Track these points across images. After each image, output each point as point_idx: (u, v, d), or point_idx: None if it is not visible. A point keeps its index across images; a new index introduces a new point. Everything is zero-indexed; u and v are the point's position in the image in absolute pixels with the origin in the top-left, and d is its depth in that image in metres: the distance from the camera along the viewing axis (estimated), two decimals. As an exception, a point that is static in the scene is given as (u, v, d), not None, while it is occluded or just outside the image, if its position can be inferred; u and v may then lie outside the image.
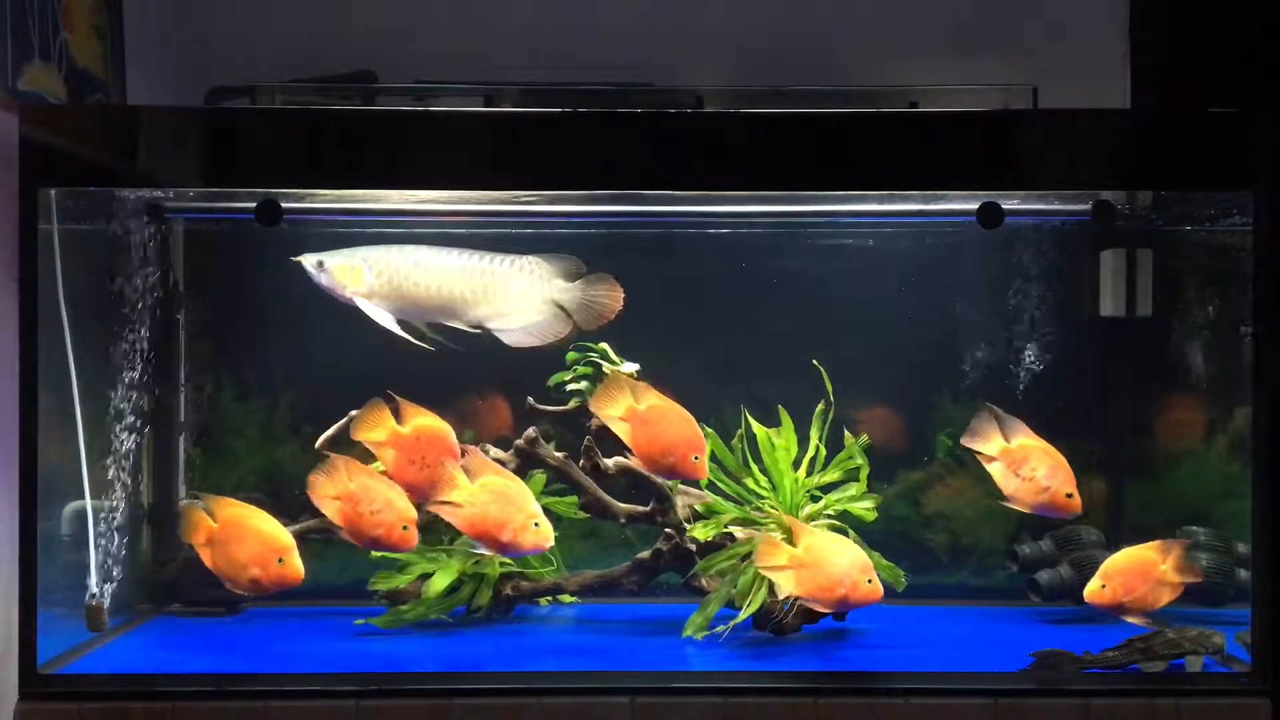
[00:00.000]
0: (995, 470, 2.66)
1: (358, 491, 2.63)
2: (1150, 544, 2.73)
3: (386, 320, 2.73)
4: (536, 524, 2.64)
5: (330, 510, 2.65)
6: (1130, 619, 2.70)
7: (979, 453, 2.71)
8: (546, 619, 3.00)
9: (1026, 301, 3.13)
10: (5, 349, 2.53)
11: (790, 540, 2.67)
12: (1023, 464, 2.65)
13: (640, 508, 2.93)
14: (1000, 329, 3.14)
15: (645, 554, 2.93)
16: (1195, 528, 2.94)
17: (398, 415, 2.72)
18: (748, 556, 2.82)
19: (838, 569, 2.63)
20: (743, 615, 2.75)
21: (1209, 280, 2.96)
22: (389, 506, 2.63)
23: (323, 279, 2.74)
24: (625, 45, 3.19)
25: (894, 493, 2.89)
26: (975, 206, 2.65)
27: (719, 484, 2.90)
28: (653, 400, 2.74)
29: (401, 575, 2.90)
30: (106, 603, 2.70)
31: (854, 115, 2.63)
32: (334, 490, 2.64)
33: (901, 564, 2.88)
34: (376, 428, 2.71)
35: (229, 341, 3.16)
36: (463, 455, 2.69)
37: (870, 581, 2.63)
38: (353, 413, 2.91)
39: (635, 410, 2.73)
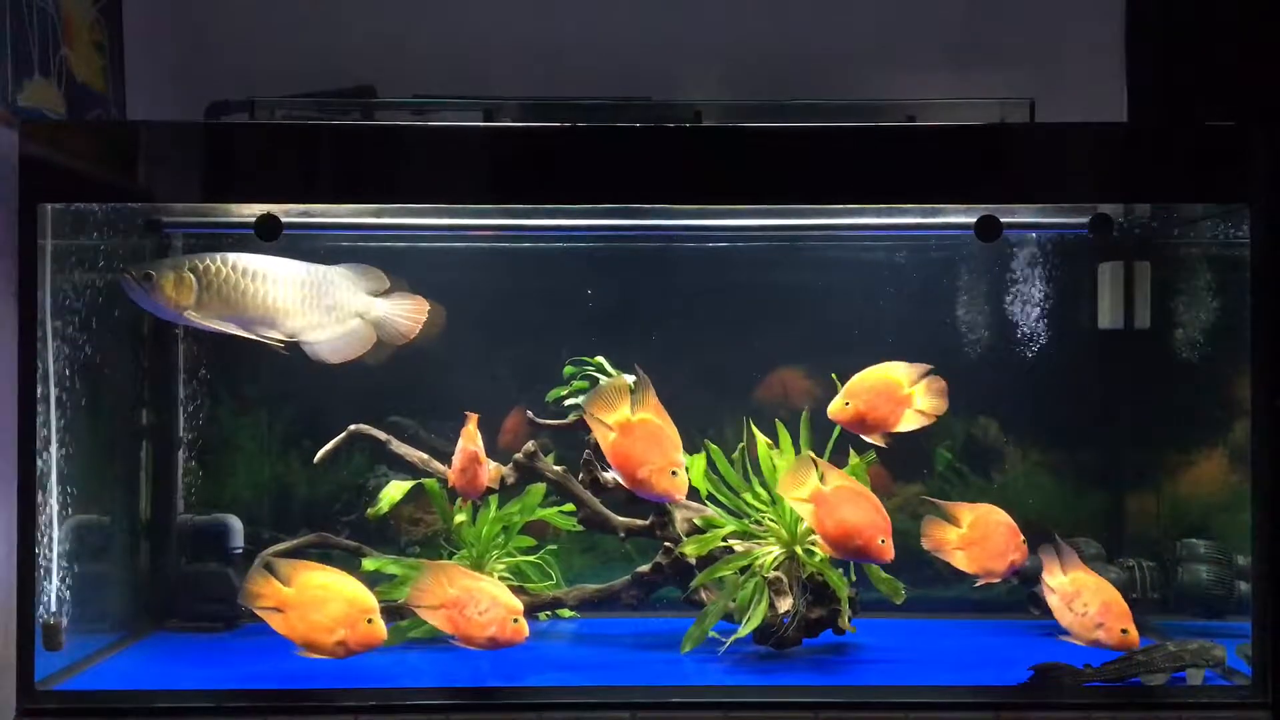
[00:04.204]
0: (1052, 602, 2.66)
1: (460, 595, 2.57)
2: (899, 365, 2.76)
3: (228, 328, 2.64)
4: (674, 473, 2.59)
5: (438, 620, 2.59)
6: (870, 439, 2.74)
7: (1043, 583, 2.70)
8: (546, 634, 2.99)
9: (1024, 310, 3.14)
10: (4, 362, 2.53)
11: (953, 521, 2.72)
12: (1075, 598, 2.62)
13: (639, 521, 2.93)
14: (996, 338, 3.15)
15: (645, 568, 2.93)
16: (1195, 540, 2.94)
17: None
18: (747, 569, 2.81)
19: (1002, 538, 2.69)
20: (742, 631, 2.74)
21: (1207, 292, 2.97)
22: (495, 603, 2.56)
23: (149, 294, 2.61)
24: (624, 60, 3.20)
25: (894, 505, 2.88)
26: (973, 220, 2.65)
27: (719, 497, 2.90)
28: (838, 481, 2.66)
29: (403, 587, 2.88)
30: (64, 622, 2.61)
31: (852, 129, 2.63)
32: (437, 599, 2.59)
33: (901, 577, 2.88)
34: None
35: (227, 355, 3.16)
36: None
37: (1024, 541, 2.70)
38: (351, 427, 2.92)
39: (821, 493, 2.64)
